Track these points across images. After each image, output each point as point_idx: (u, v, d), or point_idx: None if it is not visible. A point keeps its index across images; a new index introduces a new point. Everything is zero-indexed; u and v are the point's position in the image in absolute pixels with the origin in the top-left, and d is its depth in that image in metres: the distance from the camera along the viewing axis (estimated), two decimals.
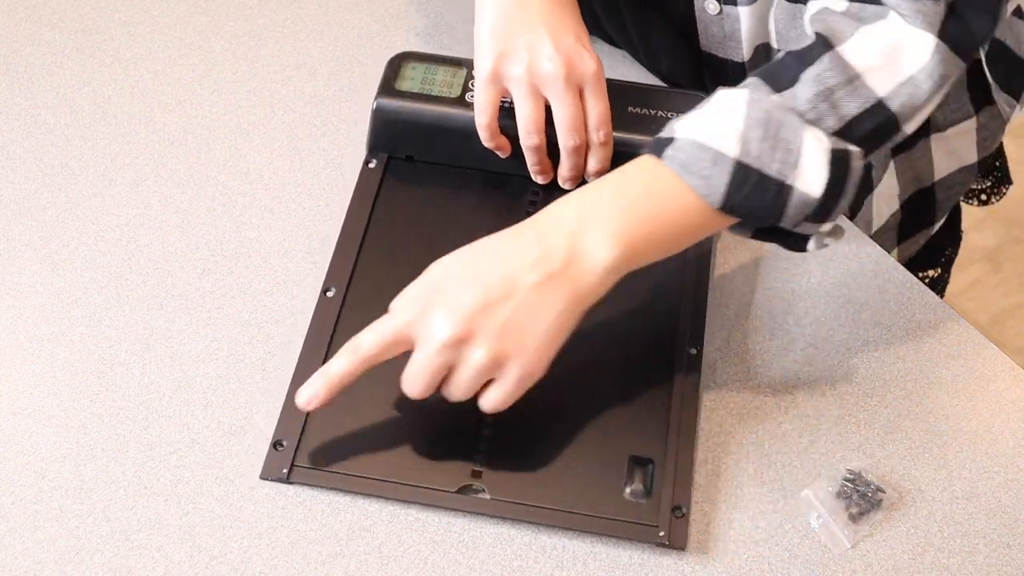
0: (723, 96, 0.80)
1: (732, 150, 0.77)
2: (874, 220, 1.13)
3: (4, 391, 0.88)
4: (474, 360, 0.76)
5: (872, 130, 0.80)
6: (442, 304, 0.77)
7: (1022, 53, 1.10)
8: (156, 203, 1.00)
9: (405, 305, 0.78)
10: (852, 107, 0.79)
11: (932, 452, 0.89)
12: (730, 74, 1.05)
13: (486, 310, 0.76)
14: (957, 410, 0.92)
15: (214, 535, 0.81)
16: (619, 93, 0.95)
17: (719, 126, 0.78)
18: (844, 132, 0.79)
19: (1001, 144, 1.22)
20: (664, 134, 0.80)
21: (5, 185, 1.01)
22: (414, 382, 0.78)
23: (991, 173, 1.25)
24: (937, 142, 1.13)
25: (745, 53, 1.02)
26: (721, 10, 1.00)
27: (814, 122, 0.78)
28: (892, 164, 1.11)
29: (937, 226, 1.22)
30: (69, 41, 1.13)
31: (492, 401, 0.78)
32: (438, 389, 0.80)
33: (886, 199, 1.13)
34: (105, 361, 0.90)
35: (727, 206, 0.78)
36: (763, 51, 1.03)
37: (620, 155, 0.92)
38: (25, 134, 1.05)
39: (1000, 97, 1.13)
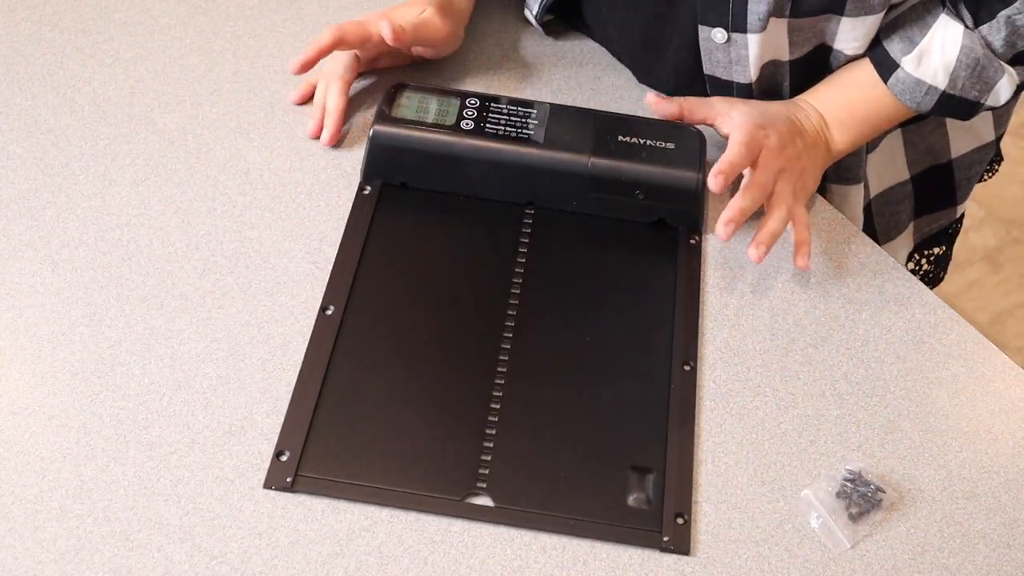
0: (942, 29, 0.99)
1: (942, 84, 1.00)
2: (871, 181, 1.13)
3: (4, 391, 0.88)
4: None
5: None
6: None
7: None
8: (156, 203, 1.00)
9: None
10: None
11: (932, 452, 0.89)
12: (734, 94, 1.04)
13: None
14: (957, 410, 0.92)
15: (214, 535, 0.81)
16: (610, 123, 1.00)
17: (934, 66, 0.99)
18: (1020, 58, 1.00)
19: None
20: (893, 53, 1.01)
21: (5, 185, 1.01)
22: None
23: None
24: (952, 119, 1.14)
25: (752, 74, 1.02)
26: (729, 38, 0.99)
27: (1003, 55, 0.99)
28: (899, 131, 1.13)
29: (960, 209, 1.24)
30: (69, 41, 1.13)
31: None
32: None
33: (886, 164, 1.14)
34: (105, 361, 0.90)
35: (930, 113, 1.04)
36: (771, 67, 1.02)
37: (609, 181, 0.98)
38: (25, 134, 1.05)
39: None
